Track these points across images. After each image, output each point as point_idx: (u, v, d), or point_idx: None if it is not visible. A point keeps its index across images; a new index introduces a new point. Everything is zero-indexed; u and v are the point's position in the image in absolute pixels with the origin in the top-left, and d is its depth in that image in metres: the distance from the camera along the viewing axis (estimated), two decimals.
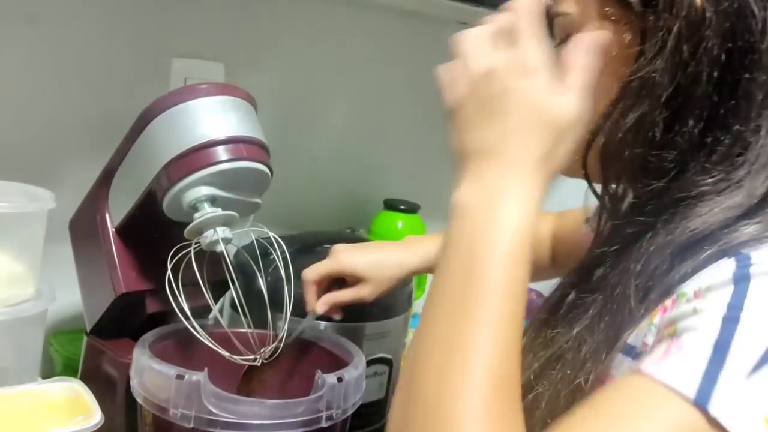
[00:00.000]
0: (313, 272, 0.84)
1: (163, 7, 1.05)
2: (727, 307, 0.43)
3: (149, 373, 0.68)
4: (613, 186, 0.56)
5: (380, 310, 1.01)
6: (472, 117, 0.50)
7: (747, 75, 0.48)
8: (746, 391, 0.41)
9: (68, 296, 0.91)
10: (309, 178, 1.28)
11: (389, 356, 1.02)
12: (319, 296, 0.84)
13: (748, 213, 0.48)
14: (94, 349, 0.83)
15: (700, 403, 0.41)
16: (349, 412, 0.73)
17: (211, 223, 0.72)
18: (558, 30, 0.57)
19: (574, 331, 0.53)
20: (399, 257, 0.88)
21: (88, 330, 0.84)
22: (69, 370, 0.91)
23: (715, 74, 0.48)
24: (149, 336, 0.74)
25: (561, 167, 0.50)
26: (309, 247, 1.09)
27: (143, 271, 0.80)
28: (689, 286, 0.47)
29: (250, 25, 1.15)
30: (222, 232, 0.72)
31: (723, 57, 0.48)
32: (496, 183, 0.48)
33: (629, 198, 0.55)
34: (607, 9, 0.52)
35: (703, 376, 0.42)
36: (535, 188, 0.48)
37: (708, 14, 0.47)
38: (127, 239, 0.80)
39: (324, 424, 0.68)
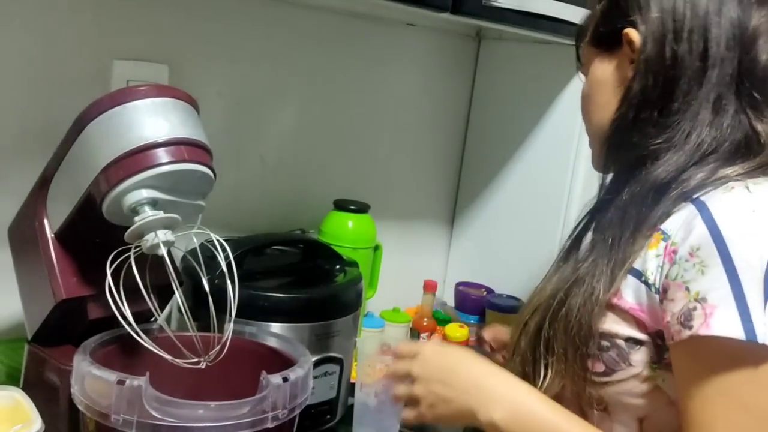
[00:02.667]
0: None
1: (103, 8, 1.04)
2: (719, 253, 0.63)
3: (90, 379, 0.67)
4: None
5: (329, 309, 1.01)
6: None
7: (680, 78, 0.72)
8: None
9: (9, 304, 0.89)
10: (258, 179, 1.28)
11: (339, 355, 1.02)
12: None
13: (697, 162, 0.71)
14: (36, 356, 0.81)
15: (749, 337, 0.61)
16: (296, 412, 0.73)
17: (152, 226, 0.71)
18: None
19: (591, 259, 0.74)
20: None
21: (29, 338, 0.83)
22: (12, 379, 0.90)
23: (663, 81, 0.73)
24: (91, 342, 0.73)
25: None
26: (259, 248, 1.09)
27: (84, 277, 0.79)
28: (669, 229, 0.69)
29: (195, 26, 1.14)
30: (163, 235, 0.72)
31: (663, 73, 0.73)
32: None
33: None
34: (599, 55, 0.80)
35: (741, 318, 0.61)
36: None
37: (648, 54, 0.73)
38: (67, 245, 0.79)
39: (270, 425, 0.68)
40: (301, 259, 1.13)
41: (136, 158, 0.71)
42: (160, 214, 0.72)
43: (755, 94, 0.72)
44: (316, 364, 1.00)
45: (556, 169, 1.42)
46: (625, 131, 0.75)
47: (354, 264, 1.15)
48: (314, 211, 1.31)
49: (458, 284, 1.56)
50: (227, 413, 0.65)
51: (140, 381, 0.64)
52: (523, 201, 1.50)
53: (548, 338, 0.74)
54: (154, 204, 0.73)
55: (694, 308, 0.64)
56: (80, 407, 0.68)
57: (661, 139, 0.72)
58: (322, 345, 1.00)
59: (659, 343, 0.69)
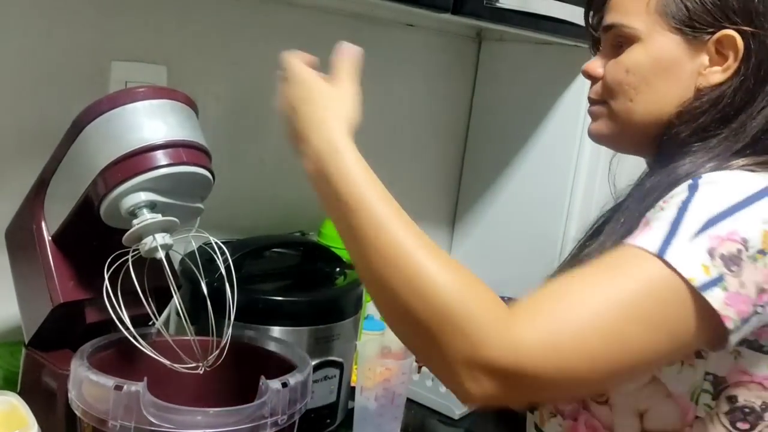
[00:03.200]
0: None
1: (102, 9, 1.03)
2: (681, 202, 0.64)
3: (87, 384, 0.66)
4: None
5: (330, 313, 1.01)
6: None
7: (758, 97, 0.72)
8: (689, 248, 0.61)
9: (6, 308, 0.89)
10: (258, 182, 1.27)
11: (340, 359, 1.01)
12: None
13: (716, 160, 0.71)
14: (33, 361, 0.80)
15: (660, 254, 0.61)
16: (296, 418, 0.73)
17: (151, 229, 0.71)
18: (611, 37, 0.78)
19: (596, 244, 0.74)
20: None
21: (26, 342, 0.82)
22: (9, 383, 0.89)
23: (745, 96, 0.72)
24: (88, 346, 0.73)
25: (354, 122, 0.79)
26: (258, 251, 1.08)
27: (82, 280, 0.78)
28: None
29: (194, 27, 1.13)
30: (162, 238, 0.71)
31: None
32: (325, 145, 0.73)
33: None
34: (673, 33, 0.73)
35: (663, 240, 0.62)
36: (345, 137, 0.75)
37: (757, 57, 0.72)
38: (65, 248, 0.78)
39: (269, 431, 0.67)
40: (300, 262, 1.12)
41: (134, 161, 0.70)
42: (159, 217, 0.71)
43: None
44: (316, 367, 0.99)
45: (558, 170, 1.42)
46: (687, 129, 0.73)
47: (353, 266, 1.14)
48: (314, 213, 1.30)
49: None
50: (226, 419, 0.65)
51: (138, 386, 0.63)
52: (524, 202, 1.49)
53: None
54: (153, 207, 0.72)
55: (642, 224, 0.66)
56: (77, 412, 0.67)
57: (710, 144, 0.71)
58: (322, 349, 0.99)
59: None
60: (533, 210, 1.47)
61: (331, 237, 1.25)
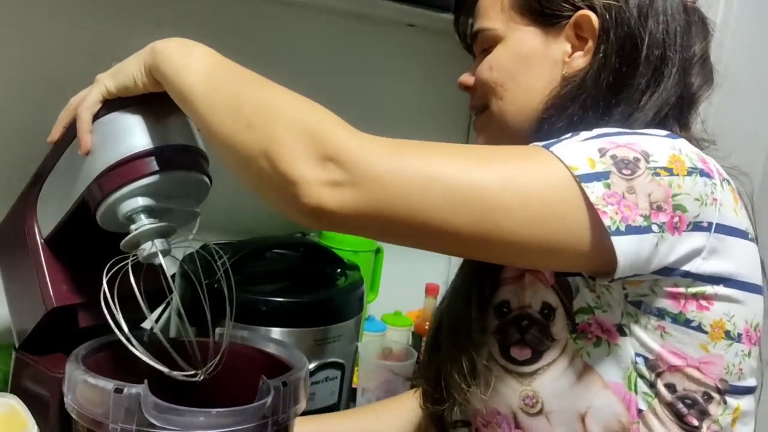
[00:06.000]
0: None
1: (100, 10, 1.03)
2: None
3: (84, 387, 0.65)
4: None
5: (330, 314, 1.00)
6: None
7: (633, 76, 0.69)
8: (578, 146, 0.60)
9: (3, 308, 0.88)
10: None
11: (341, 360, 1.01)
12: None
13: None
14: (24, 364, 0.79)
15: (547, 146, 0.61)
16: (296, 416, 0.72)
17: (149, 235, 0.70)
18: (480, 44, 0.79)
19: None
20: None
21: (16, 345, 0.81)
22: (3, 385, 0.88)
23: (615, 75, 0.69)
24: (82, 349, 0.71)
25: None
26: (258, 252, 1.08)
27: (75, 284, 0.77)
28: None
29: (192, 27, 1.12)
30: (160, 243, 0.70)
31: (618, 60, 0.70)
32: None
33: None
34: (527, 25, 0.73)
35: (554, 140, 0.62)
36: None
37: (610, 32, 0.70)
38: (58, 250, 0.77)
39: (270, 430, 0.67)
40: (301, 263, 1.12)
41: (131, 166, 0.69)
42: (157, 222, 0.71)
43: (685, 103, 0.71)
44: (317, 369, 0.99)
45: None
46: (558, 119, 0.70)
47: (355, 267, 1.14)
48: None
49: None
50: (229, 419, 0.64)
51: (139, 389, 0.63)
52: None
53: None
54: (151, 212, 0.71)
55: None
56: (73, 415, 0.67)
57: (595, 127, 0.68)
58: (323, 350, 0.99)
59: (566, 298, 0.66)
60: None
61: (332, 238, 1.25)
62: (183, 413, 0.63)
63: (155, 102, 0.71)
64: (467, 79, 0.81)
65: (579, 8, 0.70)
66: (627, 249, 0.58)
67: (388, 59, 1.40)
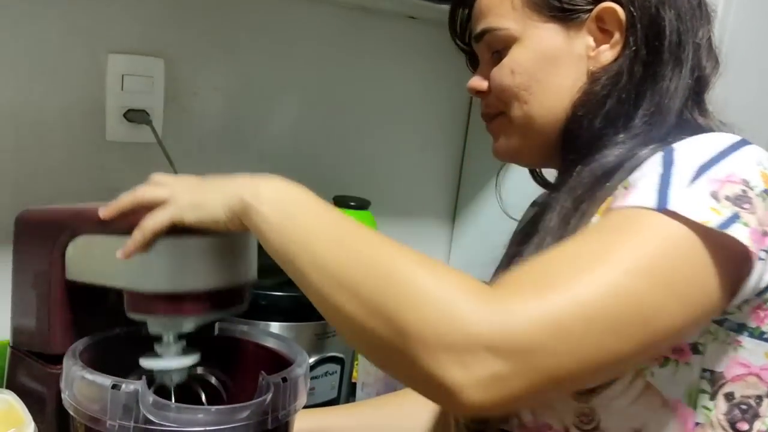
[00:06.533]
0: None
1: (98, 1, 1.01)
2: (662, 159, 0.59)
3: (82, 383, 0.64)
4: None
5: None
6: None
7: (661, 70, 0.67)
8: (690, 194, 0.55)
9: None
10: None
11: (340, 355, 1.00)
12: None
13: (642, 144, 0.66)
14: (20, 360, 0.78)
15: (661, 206, 0.55)
16: (296, 412, 0.71)
17: (168, 372, 0.70)
18: (486, 46, 0.74)
19: (532, 246, 0.67)
20: None
21: (11, 343, 0.80)
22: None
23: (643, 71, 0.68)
24: (79, 344, 0.70)
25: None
26: (258, 246, 1.07)
27: (81, 332, 0.74)
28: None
29: (191, 19, 1.12)
30: (177, 375, 0.71)
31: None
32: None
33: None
34: (545, 22, 0.69)
35: (658, 192, 0.56)
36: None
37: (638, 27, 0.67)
38: (75, 296, 0.74)
39: (270, 426, 0.66)
40: None
41: (182, 302, 0.66)
42: (180, 361, 0.70)
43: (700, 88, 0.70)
44: (317, 363, 0.98)
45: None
46: (596, 119, 0.68)
47: None
48: None
49: None
50: (228, 416, 0.63)
51: (137, 385, 0.62)
52: (526, 197, 1.47)
53: None
54: (180, 337, 0.70)
55: (619, 194, 0.60)
56: (71, 412, 0.66)
57: (634, 130, 0.67)
58: (323, 344, 0.98)
59: None
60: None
61: None
62: (181, 410, 0.63)
63: (221, 236, 0.67)
64: (479, 83, 0.76)
65: (599, 1, 0.68)
66: (755, 281, 0.57)
67: (388, 51, 1.39)
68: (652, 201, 0.55)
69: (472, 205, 1.59)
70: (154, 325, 0.70)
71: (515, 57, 0.71)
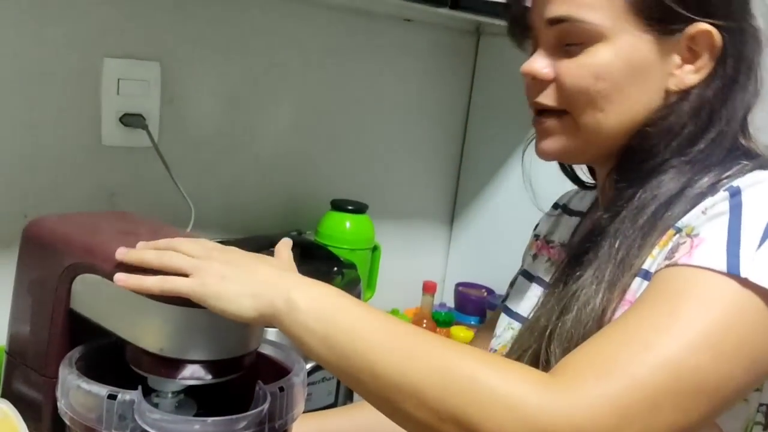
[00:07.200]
0: None
1: (93, 5, 1.01)
2: (730, 208, 0.58)
3: (78, 392, 0.64)
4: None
5: None
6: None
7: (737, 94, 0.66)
8: (760, 258, 0.54)
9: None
10: (253, 180, 1.25)
11: None
12: None
13: (702, 171, 0.65)
14: (16, 367, 0.77)
15: (731, 270, 0.53)
16: (293, 421, 0.71)
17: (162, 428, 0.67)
18: (558, 32, 0.67)
19: (590, 271, 0.65)
20: None
21: (7, 349, 0.80)
22: None
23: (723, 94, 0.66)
24: (75, 352, 0.70)
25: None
26: (254, 251, 1.06)
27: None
28: (684, 220, 0.62)
29: (186, 22, 1.11)
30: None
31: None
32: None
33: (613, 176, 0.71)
34: (643, 32, 0.65)
35: (727, 253, 0.54)
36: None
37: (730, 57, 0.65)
38: (78, 325, 0.72)
39: None
40: (297, 262, 1.10)
41: (184, 368, 0.65)
42: (176, 417, 0.67)
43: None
44: (314, 369, 0.97)
45: (557, 166, 1.40)
46: (671, 143, 0.65)
47: (352, 266, 1.13)
48: (311, 212, 1.28)
49: (458, 285, 1.54)
50: (224, 428, 0.62)
51: (132, 395, 0.61)
52: (523, 200, 1.47)
53: (546, 366, 0.65)
54: (179, 392, 0.70)
55: (683, 242, 0.58)
56: (66, 421, 0.65)
57: (696, 155, 0.65)
58: None
59: None
60: (532, 207, 1.45)
61: (328, 236, 1.24)
62: (178, 421, 0.62)
63: None
64: (544, 71, 0.69)
65: (694, 20, 0.65)
66: None
67: (384, 54, 1.38)
68: (721, 263, 0.54)
69: (470, 208, 1.59)
70: (152, 380, 0.68)
71: (602, 61, 0.65)
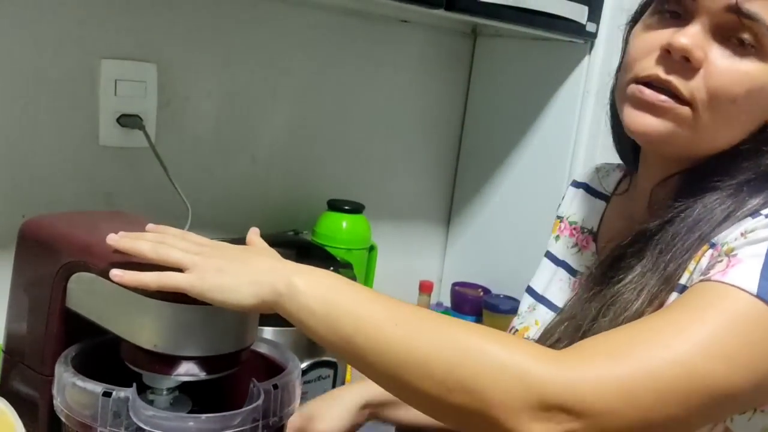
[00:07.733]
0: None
1: (90, 6, 1.01)
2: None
3: (73, 390, 0.64)
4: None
5: None
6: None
7: None
8: None
9: None
10: (249, 179, 1.26)
11: (333, 359, 1.00)
12: None
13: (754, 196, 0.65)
14: (13, 365, 0.78)
15: (762, 296, 0.55)
16: (287, 418, 0.72)
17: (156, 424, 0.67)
18: (734, 26, 0.60)
19: (631, 276, 0.66)
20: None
21: (4, 347, 0.80)
22: None
23: None
24: (71, 351, 0.70)
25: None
26: None
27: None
28: (730, 235, 0.61)
29: (183, 24, 1.12)
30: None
31: None
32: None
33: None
34: None
35: (761, 277, 0.56)
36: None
37: None
38: (74, 323, 0.73)
39: None
40: (294, 261, 1.11)
41: (179, 364, 0.66)
42: (171, 412, 0.69)
43: None
44: (310, 368, 0.98)
45: (553, 167, 1.41)
46: (745, 158, 0.65)
47: (348, 265, 1.13)
48: (307, 212, 1.29)
49: (455, 284, 1.54)
50: (218, 424, 0.63)
51: (127, 392, 0.62)
52: (520, 200, 1.48)
53: None
54: (174, 388, 0.71)
55: (720, 260, 0.59)
56: (62, 418, 0.66)
57: (753, 176, 0.65)
58: (316, 349, 0.98)
59: None
60: (529, 207, 1.46)
61: (324, 236, 1.24)
62: (171, 418, 0.63)
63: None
64: (697, 52, 0.61)
65: None
66: None
67: (381, 55, 1.39)
68: (752, 285, 0.56)
69: (467, 208, 1.59)
70: (147, 377, 0.69)
71: (760, 80, 0.62)
